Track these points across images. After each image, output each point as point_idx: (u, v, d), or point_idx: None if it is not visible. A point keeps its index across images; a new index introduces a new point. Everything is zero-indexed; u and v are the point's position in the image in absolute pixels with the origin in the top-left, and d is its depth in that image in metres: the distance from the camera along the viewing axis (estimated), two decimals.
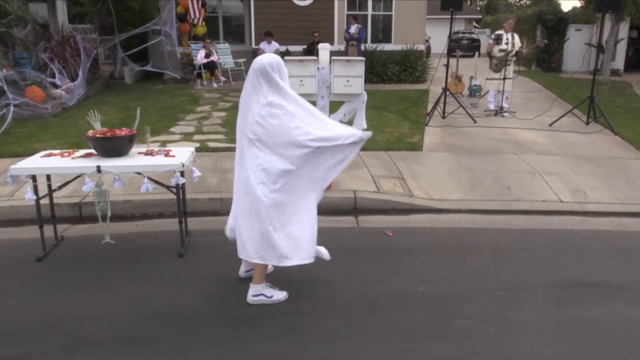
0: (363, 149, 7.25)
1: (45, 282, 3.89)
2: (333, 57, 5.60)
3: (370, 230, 5.07)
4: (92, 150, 4.26)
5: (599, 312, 3.54)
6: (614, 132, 8.55)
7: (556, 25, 17.92)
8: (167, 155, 4.28)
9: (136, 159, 4.17)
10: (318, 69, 5.50)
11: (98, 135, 4.12)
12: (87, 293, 3.72)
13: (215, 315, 3.44)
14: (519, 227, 5.20)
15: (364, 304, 3.59)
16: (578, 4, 17.36)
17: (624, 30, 16.35)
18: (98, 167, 3.96)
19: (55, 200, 4.80)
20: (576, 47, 17.42)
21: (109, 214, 4.27)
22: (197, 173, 4.23)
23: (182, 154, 4.33)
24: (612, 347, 3.15)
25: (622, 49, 17.20)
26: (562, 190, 6.09)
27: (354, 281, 3.92)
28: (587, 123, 9.18)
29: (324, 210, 5.54)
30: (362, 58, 5.74)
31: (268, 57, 3.33)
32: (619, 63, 17.23)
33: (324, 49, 5.54)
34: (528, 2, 46.26)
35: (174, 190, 4.25)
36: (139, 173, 4.13)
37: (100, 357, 2.99)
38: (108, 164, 4.01)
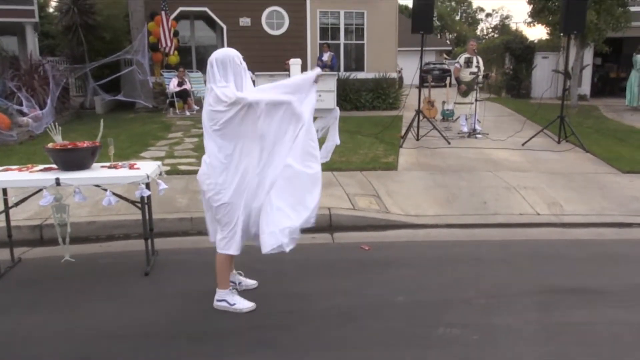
0: (337, 169, 7.33)
1: None
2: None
3: (345, 245, 4.91)
4: (53, 165, 4.05)
5: (582, 316, 3.42)
6: (585, 150, 8.63)
7: (523, 53, 18.39)
8: (131, 168, 4.09)
9: (98, 172, 3.97)
10: None
11: (58, 147, 3.93)
12: (42, 313, 3.46)
13: (180, 330, 3.21)
14: (497, 239, 5.10)
15: (338, 315, 3.41)
16: (542, 36, 17.93)
17: (588, 56, 16.83)
18: (57, 179, 3.75)
19: (14, 223, 4.56)
20: (544, 73, 17.84)
21: (69, 230, 4.03)
22: (163, 185, 4.04)
23: (147, 166, 4.15)
24: (595, 349, 3.02)
25: (587, 75, 17.68)
26: (538, 203, 6.05)
27: (328, 294, 3.74)
28: (559, 142, 9.27)
29: None
30: (334, 72, 5.69)
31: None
32: (585, 89, 17.68)
33: (295, 63, 5.48)
34: (495, 35, 47.85)
35: (139, 205, 4.05)
36: (97, 186, 3.92)
37: None
38: (68, 176, 3.80)
